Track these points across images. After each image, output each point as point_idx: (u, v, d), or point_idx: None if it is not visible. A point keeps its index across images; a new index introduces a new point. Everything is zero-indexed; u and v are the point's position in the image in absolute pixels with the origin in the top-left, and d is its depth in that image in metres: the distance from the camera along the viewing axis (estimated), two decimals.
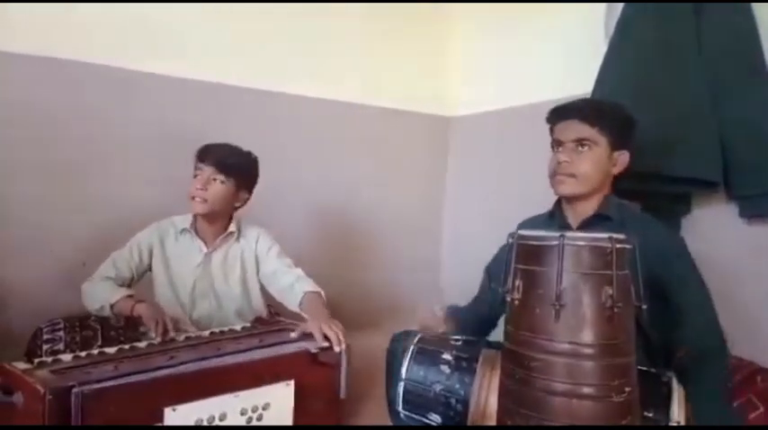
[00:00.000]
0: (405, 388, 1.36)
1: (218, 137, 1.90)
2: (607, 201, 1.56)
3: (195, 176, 1.82)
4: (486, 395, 1.26)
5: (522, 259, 1.10)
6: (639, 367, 1.17)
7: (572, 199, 1.58)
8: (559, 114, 1.58)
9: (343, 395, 1.60)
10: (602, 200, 1.56)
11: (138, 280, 1.86)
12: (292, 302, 1.83)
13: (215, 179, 1.81)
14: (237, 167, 1.85)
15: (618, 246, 1.04)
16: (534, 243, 1.08)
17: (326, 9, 2.73)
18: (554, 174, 1.56)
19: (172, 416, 1.24)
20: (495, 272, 1.76)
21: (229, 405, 1.33)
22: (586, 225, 1.55)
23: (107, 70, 2.22)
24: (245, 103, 2.54)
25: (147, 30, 2.29)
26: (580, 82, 2.06)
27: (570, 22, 2.50)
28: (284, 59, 2.65)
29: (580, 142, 1.52)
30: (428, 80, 3.16)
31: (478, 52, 3.08)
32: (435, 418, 1.33)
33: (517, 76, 2.79)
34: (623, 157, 1.55)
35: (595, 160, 1.51)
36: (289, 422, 1.45)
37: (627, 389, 1.03)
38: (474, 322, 1.70)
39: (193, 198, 1.80)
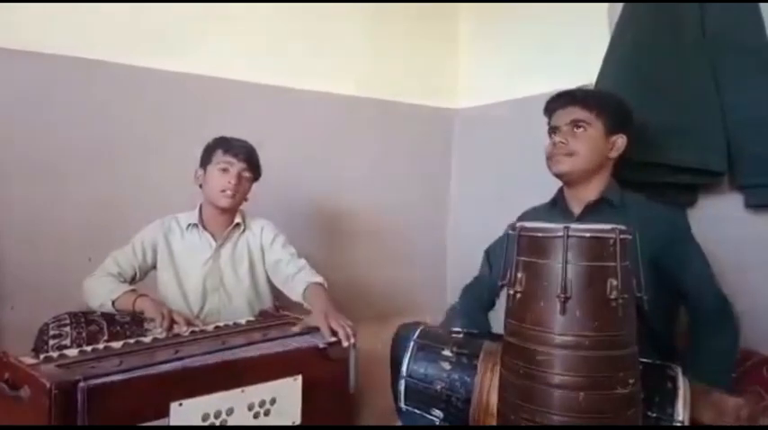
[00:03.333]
0: (406, 385, 1.35)
1: (221, 133, 1.91)
2: (610, 185, 1.59)
3: (223, 170, 1.83)
4: (488, 392, 1.25)
5: (524, 251, 1.10)
6: (644, 360, 1.16)
7: (572, 182, 1.61)
8: (556, 103, 1.63)
9: (352, 389, 1.59)
10: (604, 185, 1.58)
11: (142, 278, 1.86)
12: (294, 292, 1.84)
13: (245, 175, 1.85)
14: (258, 162, 1.91)
15: (621, 236, 1.03)
16: (538, 235, 1.07)
17: (329, 3, 2.72)
18: (551, 156, 1.60)
19: (178, 411, 1.23)
20: (494, 257, 1.78)
21: (236, 400, 1.33)
22: (590, 210, 1.57)
23: (110, 67, 2.21)
24: (248, 99, 2.53)
25: (149, 26, 2.28)
26: (585, 73, 2.04)
27: (575, 14, 2.48)
28: (288, 55, 2.64)
29: (576, 123, 1.56)
30: (433, 72, 3.14)
31: (484, 43, 3.06)
32: (438, 414, 1.33)
33: (523, 68, 2.78)
34: (620, 140, 1.57)
35: (591, 140, 1.55)
36: (297, 417, 1.44)
37: (631, 380, 1.03)
38: (476, 310, 1.70)
39: (223, 191, 1.82)
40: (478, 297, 1.75)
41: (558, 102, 1.62)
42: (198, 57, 2.39)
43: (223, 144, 1.86)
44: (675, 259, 1.48)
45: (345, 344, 1.54)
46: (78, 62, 2.15)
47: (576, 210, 1.61)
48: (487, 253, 1.83)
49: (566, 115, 1.58)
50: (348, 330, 1.56)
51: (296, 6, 2.62)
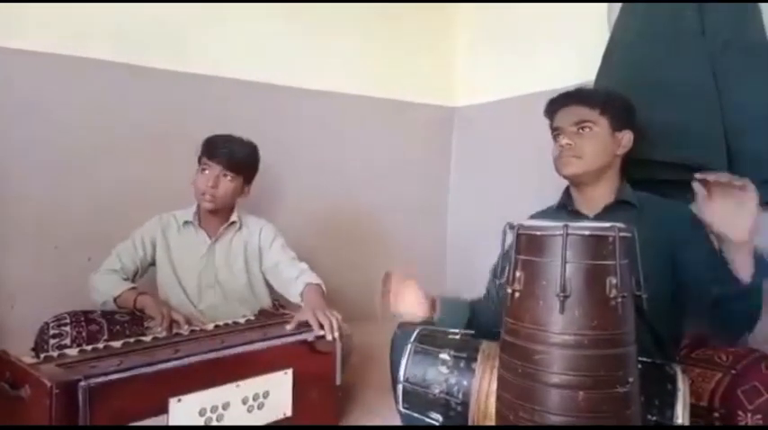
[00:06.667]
0: (404, 389, 1.35)
1: (221, 131, 1.90)
2: (624, 185, 1.56)
3: (203, 171, 1.82)
4: (486, 396, 1.25)
5: (523, 250, 1.09)
6: (644, 359, 1.16)
7: (580, 184, 1.57)
8: (557, 103, 1.59)
9: (338, 381, 1.61)
10: (617, 185, 1.56)
11: (143, 274, 1.88)
12: (294, 294, 1.85)
13: (224, 176, 1.83)
14: (245, 164, 1.88)
15: (621, 234, 1.03)
16: (537, 233, 1.07)
17: (330, 3, 2.71)
18: (558, 158, 1.56)
19: (176, 406, 1.25)
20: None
21: (231, 394, 1.36)
22: (607, 212, 1.53)
23: (108, 65, 2.22)
24: (249, 97, 2.53)
25: (148, 24, 2.28)
26: (584, 71, 2.05)
27: (574, 13, 2.48)
28: (287, 54, 2.64)
29: (580, 124, 1.52)
30: (433, 71, 3.14)
31: (483, 42, 3.06)
32: (436, 417, 1.32)
33: (522, 67, 2.78)
34: (627, 136, 1.55)
35: (598, 139, 1.51)
36: (288, 409, 1.48)
37: (630, 379, 1.02)
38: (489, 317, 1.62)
39: (203, 194, 1.81)
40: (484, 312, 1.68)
41: (559, 102, 1.58)
42: (198, 56, 2.40)
43: (206, 145, 1.87)
44: (692, 253, 1.40)
45: (329, 337, 1.56)
46: (77, 61, 2.15)
47: (588, 211, 1.56)
48: (493, 271, 1.73)
49: (569, 116, 1.54)
50: (334, 323, 1.58)
51: (296, 6, 2.62)
